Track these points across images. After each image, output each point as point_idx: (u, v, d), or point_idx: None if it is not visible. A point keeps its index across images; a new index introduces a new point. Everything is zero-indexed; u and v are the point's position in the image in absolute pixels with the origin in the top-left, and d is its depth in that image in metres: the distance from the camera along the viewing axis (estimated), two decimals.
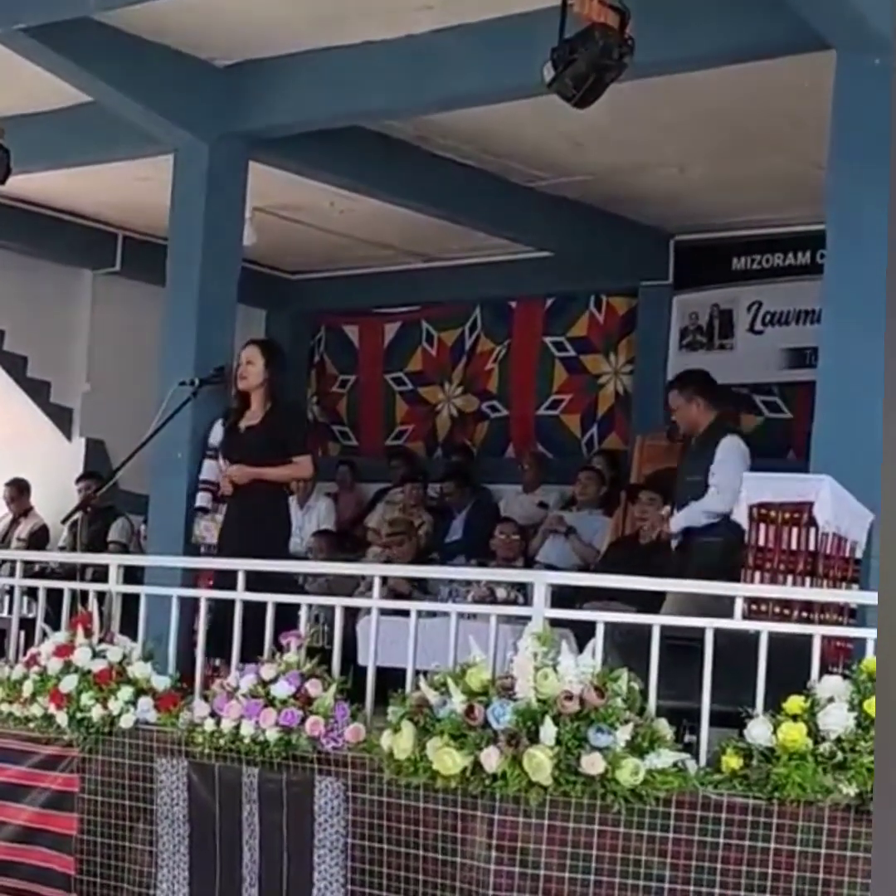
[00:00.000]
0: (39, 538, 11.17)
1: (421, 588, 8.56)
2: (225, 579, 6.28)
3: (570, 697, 4.77)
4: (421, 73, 7.44)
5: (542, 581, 5.29)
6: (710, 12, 6.61)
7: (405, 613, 5.92)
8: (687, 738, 5.06)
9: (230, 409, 7.35)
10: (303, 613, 5.77)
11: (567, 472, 10.80)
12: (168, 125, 8.09)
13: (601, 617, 5.13)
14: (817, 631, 4.96)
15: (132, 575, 6.63)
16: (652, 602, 5.92)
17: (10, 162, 7.42)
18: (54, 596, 6.67)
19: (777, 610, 5.54)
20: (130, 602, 6.30)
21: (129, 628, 6.25)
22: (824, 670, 4.84)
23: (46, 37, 7.23)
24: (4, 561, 8.81)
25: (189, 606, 6.20)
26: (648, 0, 6.29)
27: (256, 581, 5.96)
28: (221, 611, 6.15)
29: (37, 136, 8.51)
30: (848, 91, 6.17)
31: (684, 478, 7.24)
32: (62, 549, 10.37)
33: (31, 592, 7.24)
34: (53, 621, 6.55)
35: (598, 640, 5.02)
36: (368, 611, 6.12)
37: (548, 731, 4.75)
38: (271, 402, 7.28)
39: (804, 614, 5.53)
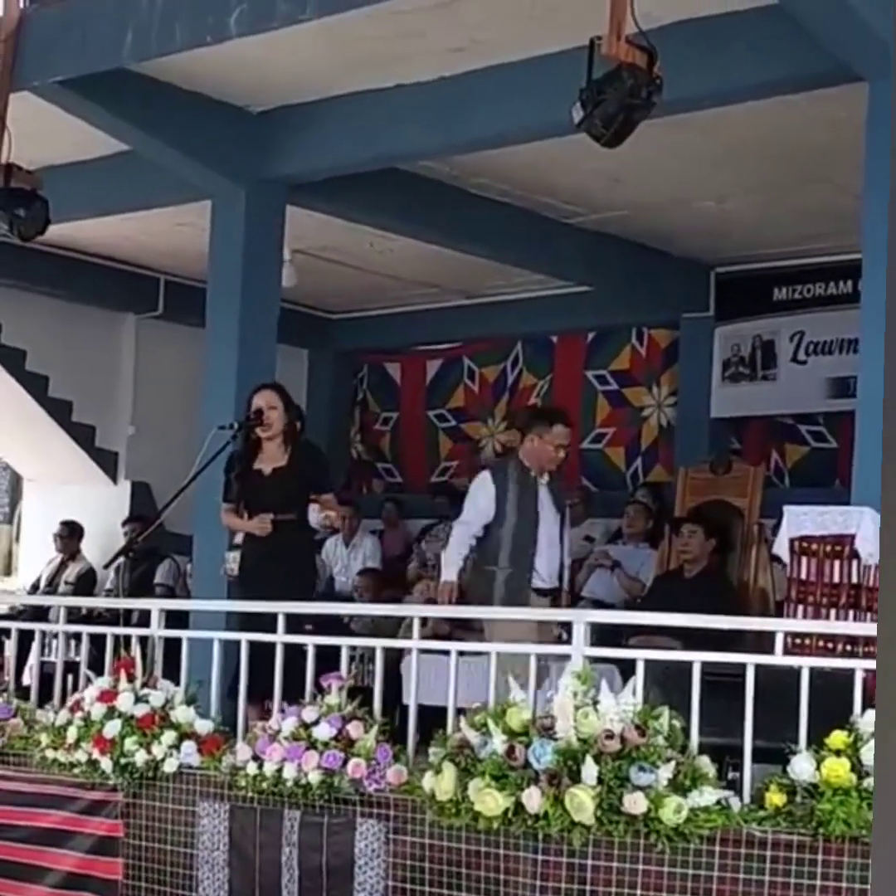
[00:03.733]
0: (86, 581, 11.25)
1: (465, 624, 8.54)
2: (251, 622, 6.28)
3: (611, 736, 4.74)
4: (453, 114, 7.48)
5: (581, 620, 5.27)
6: (742, 48, 6.62)
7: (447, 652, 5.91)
8: (730, 775, 5.02)
9: (236, 455, 7.19)
10: (343, 654, 5.77)
11: (612, 506, 10.76)
12: (205, 172, 8.18)
13: (642, 655, 5.11)
14: (859, 665, 4.91)
15: (178, 617, 6.65)
16: (696, 637, 5.88)
17: (48, 212, 7.48)
18: (99, 640, 6.70)
19: (820, 644, 5.51)
20: (174, 645, 6.33)
21: (173, 671, 6.27)
22: (867, 704, 4.79)
23: (83, 88, 7.34)
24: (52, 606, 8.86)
25: (233, 650, 6.21)
26: (682, 36, 6.33)
27: (287, 622, 5.96)
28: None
29: (78, 185, 8.63)
30: (880, 120, 6.18)
31: None
32: (108, 592, 10.42)
33: (77, 636, 7.28)
34: (98, 666, 6.58)
35: (638, 678, 4.99)
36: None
37: (589, 770, 4.72)
38: (292, 444, 7.22)
39: (848, 648, 5.49)
